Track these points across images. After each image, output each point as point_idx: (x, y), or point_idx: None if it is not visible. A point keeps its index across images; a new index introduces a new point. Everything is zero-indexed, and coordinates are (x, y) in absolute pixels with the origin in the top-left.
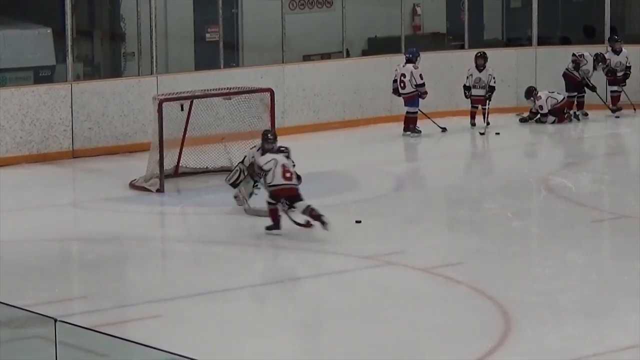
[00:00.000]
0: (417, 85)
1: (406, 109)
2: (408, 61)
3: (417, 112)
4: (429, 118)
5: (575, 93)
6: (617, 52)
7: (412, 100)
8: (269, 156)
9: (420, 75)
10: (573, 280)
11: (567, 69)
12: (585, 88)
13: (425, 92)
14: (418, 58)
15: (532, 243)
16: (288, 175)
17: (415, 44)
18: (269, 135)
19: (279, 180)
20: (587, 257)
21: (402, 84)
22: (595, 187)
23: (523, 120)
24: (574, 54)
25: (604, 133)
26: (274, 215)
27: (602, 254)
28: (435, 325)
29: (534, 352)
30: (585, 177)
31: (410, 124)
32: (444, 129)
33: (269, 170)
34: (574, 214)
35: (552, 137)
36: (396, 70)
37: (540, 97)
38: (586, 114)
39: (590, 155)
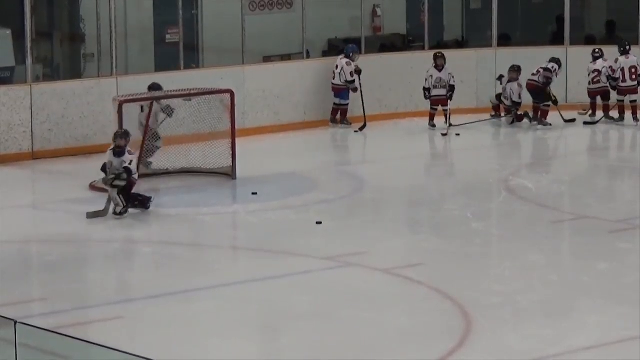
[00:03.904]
0: (346, 82)
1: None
2: (345, 56)
3: (347, 104)
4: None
5: (545, 102)
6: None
7: (341, 92)
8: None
9: (351, 72)
10: (533, 281)
11: (535, 81)
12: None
13: (355, 89)
14: (353, 55)
15: (492, 244)
16: None
17: (375, 45)
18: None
19: None
20: (547, 257)
21: (333, 75)
22: (555, 188)
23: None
24: (547, 70)
25: (564, 134)
26: None
27: (562, 254)
28: (396, 326)
29: (494, 352)
30: (545, 178)
31: (342, 116)
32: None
33: None
34: (534, 214)
35: (512, 138)
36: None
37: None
38: (550, 124)
39: (550, 156)
